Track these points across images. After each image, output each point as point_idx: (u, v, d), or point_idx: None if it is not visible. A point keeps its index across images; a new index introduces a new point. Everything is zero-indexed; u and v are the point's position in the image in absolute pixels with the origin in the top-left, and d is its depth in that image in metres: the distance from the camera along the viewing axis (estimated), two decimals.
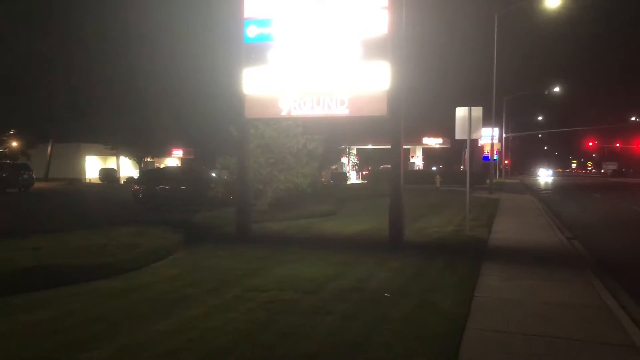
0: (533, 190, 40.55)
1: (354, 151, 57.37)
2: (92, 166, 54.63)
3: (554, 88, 62.40)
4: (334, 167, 47.59)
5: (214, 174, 20.35)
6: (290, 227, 14.59)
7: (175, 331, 5.65)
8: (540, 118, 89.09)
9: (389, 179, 11.65)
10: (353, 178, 55.14)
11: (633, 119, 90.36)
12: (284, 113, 11.68)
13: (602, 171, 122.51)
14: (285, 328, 5.75)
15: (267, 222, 15.16)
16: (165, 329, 5.73)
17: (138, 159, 48.00)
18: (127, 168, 54.57)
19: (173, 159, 63.42)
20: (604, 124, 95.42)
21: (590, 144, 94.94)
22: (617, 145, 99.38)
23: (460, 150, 56.80)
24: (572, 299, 7.10)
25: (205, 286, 7.62)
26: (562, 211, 21.58)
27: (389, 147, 11.30)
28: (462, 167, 57.74)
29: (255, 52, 12.02)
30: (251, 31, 11.83)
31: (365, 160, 61.98)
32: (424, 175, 48.48)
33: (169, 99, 42.79)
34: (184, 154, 63.17)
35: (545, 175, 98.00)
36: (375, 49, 11.09)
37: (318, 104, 11.36)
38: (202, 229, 12.97)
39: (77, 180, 50.04)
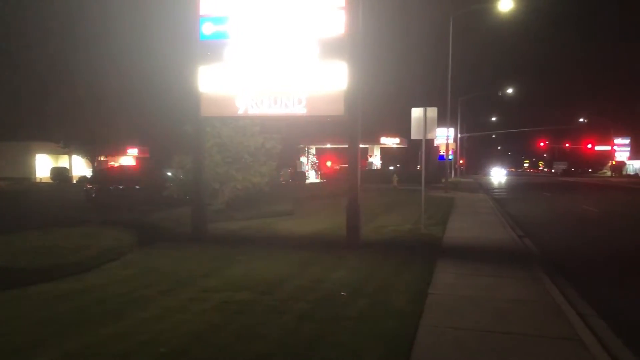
0: (487, 189, 41.52)
1: (313, 150, 57.43)
2: (43, 165, 52.80)
3: (507, 89, 64.05)
4: (291, 169, 47.52)
5: (169, 173, 19.98)
6: (248, 226, 14.48)
7: (126, 334, 5.52)
8: (494, 119, 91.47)
9: (346, 178, 11.70)
10: (312, 177, 55.17)
11: (581, 120, 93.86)
12: (240, 112, 11.58)
13: (553, 170, 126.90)
14: (240, 328, 5.70)
15: (224, 222, 15.00)
16: (116, 331, 5.58)
17: (91, 158, 46.73)
18: (80, 167, 53.02)
19: (128, 158, 62.00)
20: (555, 125, 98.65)
21: (542, 144, 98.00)
22: (567, 145, 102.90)
23: (417, 150, 57.50)
24: (523, 295, 7.30)
25: (159, 287, 7.48)
26: (514, 210, 22.18)
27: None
28: (418, 166, 58.54)
29: (211, 49, 11.85)
30: (207, 29, 11.68)
31: (325, 159, 62.15)
32: (381, 175, 48.99)
33: (123, 97, 41.83)
34: (139, 152, 61.81)
35: (498, 175, 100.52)
36: (332, 49, 11.10)
37: (275, 103, 11.31)
38: (156, 229, 12.71)
39: (27, 180, 48.32)
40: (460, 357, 5.02)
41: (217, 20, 11.61)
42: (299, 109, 11.19)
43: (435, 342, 5.40)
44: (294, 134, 31.88)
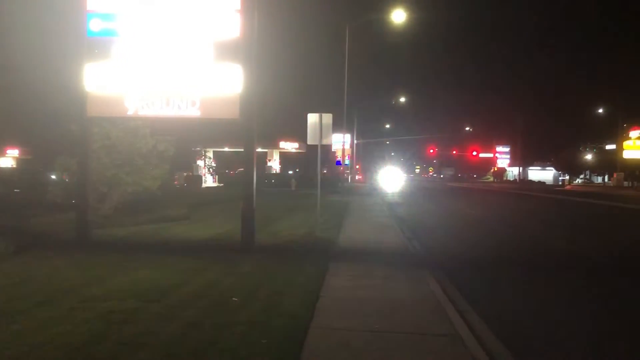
0: (381, 193, 43.00)
1: (210, 154, 56.40)
2: None
3: (400, 98, 66.97)
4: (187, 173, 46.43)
5: (53, 176, 18.76)
6: (138, 232, 13.92)
7: None
8: (388, 126, 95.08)
9: (242, 182, 11.62)
10: (209, 181, 54.17)
11: (467, 129, 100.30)
12: (130, 112, 11.14)
13: (442, 176, 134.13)
14: (125, 338, 5.45)
15: (112, 228, 14.26)
16: None
17: None
18: None
19: (7, 159, 57.42)
20: (443, 133, 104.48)
21: (431, 150, 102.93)
22: (454, 152, 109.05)
23: (315, 155, 58.32)
24: (410, 295, 7.62)
25: (36, 298, 6.96)
26: (404, 213, 23.18)
27: None
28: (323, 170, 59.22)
29: (99, 47, 11.31)
30: (95, 25, 11.11)
31: (224, 163, 61.32)
32: (281, 179, 49.24)
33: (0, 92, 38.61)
34: (20, 153, 57.49)
35: (392, 179, 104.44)
36: (228, 51, 11.02)
37: (168, 104, 11.00)
38: (36, 236, 11.88)
39: None
40: (347, 357, 5.15)
41: (106, 17, 11.09)
42: (193, 111, 10.97)
43: (324, 343, 5.49)
44: (190, 137, 31.12)
